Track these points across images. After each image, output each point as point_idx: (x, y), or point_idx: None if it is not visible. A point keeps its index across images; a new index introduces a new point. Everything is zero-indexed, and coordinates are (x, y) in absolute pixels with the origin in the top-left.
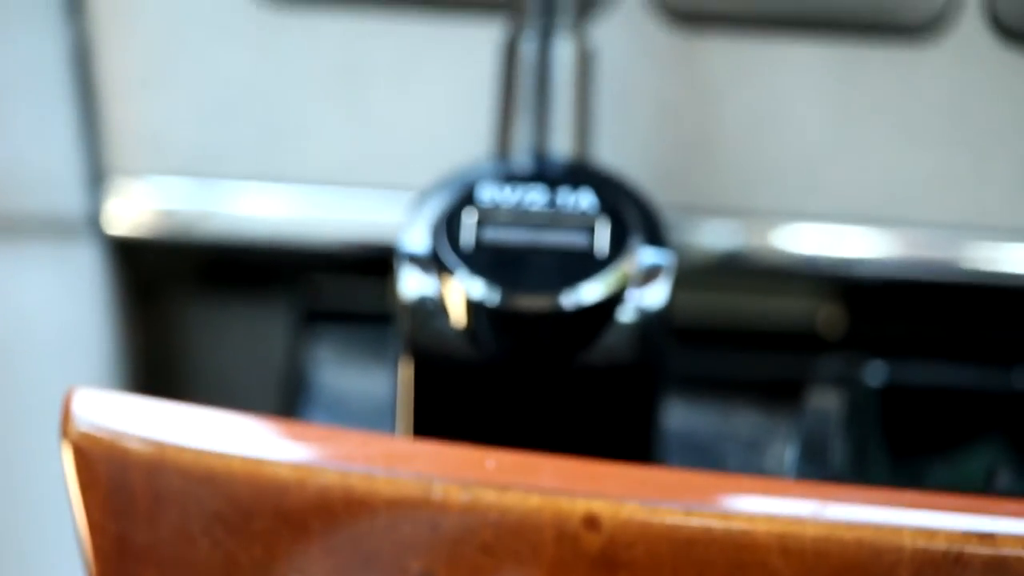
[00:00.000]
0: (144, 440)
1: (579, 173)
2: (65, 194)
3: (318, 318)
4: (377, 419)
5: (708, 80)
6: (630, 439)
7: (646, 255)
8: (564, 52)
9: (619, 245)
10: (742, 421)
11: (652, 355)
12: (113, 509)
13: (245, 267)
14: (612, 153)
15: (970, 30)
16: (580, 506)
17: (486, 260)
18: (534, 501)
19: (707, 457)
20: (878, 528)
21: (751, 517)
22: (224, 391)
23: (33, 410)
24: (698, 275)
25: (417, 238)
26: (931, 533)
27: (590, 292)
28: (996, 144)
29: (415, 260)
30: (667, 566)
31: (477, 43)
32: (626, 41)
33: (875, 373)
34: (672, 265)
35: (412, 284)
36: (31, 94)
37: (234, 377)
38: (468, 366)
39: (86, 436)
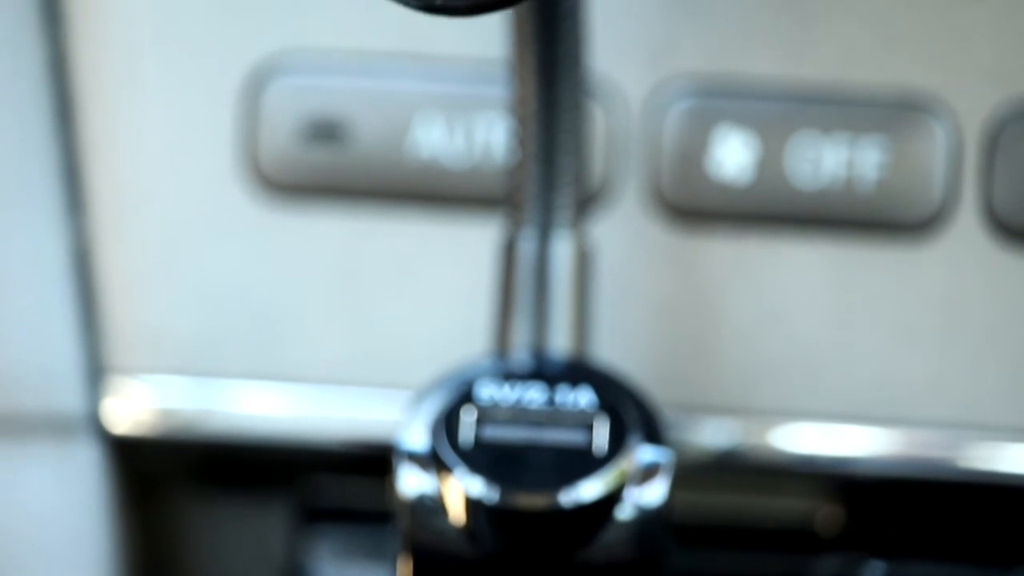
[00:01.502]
0: None
1: (578, 371)
2: (64, 392)
3: (317, 516)
4: None
5: (706, 278)
6: None
7: (645, 453)
8: (563, 251)
9: (618, 443)
10: None
11: (651, 553)
12: None
13: (244, 465)
14: (611, 351)
15: (967, 228)
16: None
17: (485, 458)
18: None
19: None
20: None
21: None
22: None
23: None
24: (697, 473)
25: (416, 436)
26: None
27: (589, 490)
28: (993, 343)
29: (414, 458)
30: None
31: (476, 242)
32: (624, 239)
33: (874, 572)
34: (671, 463)
35: (411, 482)
36: (31, 292)
37: (234, 575)
38: (467, 564)
39: None
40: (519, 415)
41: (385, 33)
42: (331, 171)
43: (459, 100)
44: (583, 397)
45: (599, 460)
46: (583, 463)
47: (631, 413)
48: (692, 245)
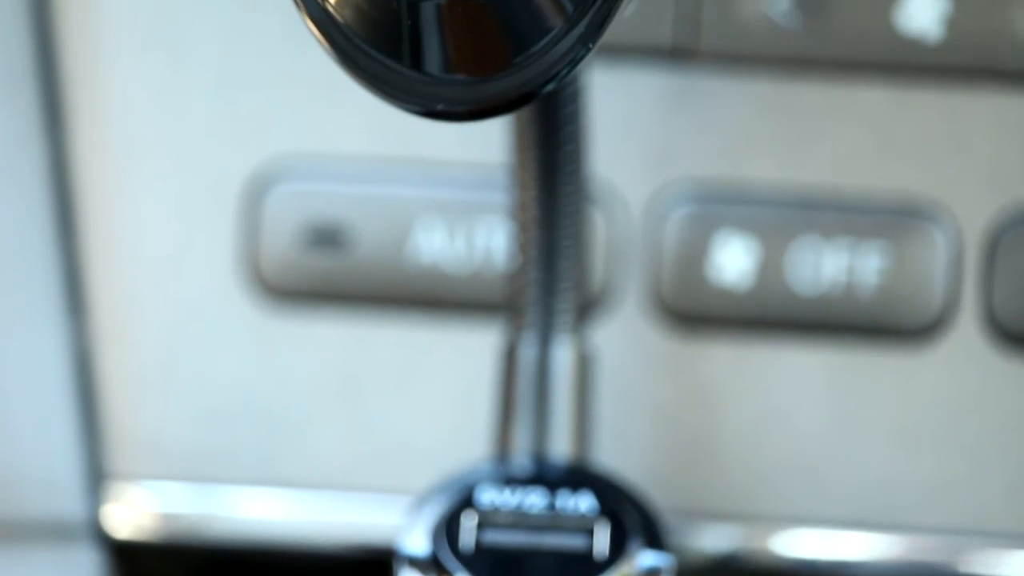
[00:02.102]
0: None
1: (579, 476)
2: (65, 497)
3: None
4: None
5: (707, 383)
6: None
7: (645, 558)
8: (563, 356)
9: (619, 548)
10: None
11: None
12: None
13: (246, 570)
14: (612, 455)
15: (967, 334)
16: None
17: (486, 563)
18: None
19: None
20: None
21: None
22: None
23: None
24: None
25: (417, 541)
26: None
27: None
28: (994, 449)
29: (415, 563)
30: None
31: (476, 347)
32: (625, 344)
33: None
34: (672, 568)
35: None
36: (32, 396)
37: None
38: None
39: None
40: (520, 520)
41: (386, 138)
42: (332, 276)
43: (460, 205)
44: (584, 502)
45: (600, 565)
46: (584, 568)
47: (632, 518)
48: (693, 350)
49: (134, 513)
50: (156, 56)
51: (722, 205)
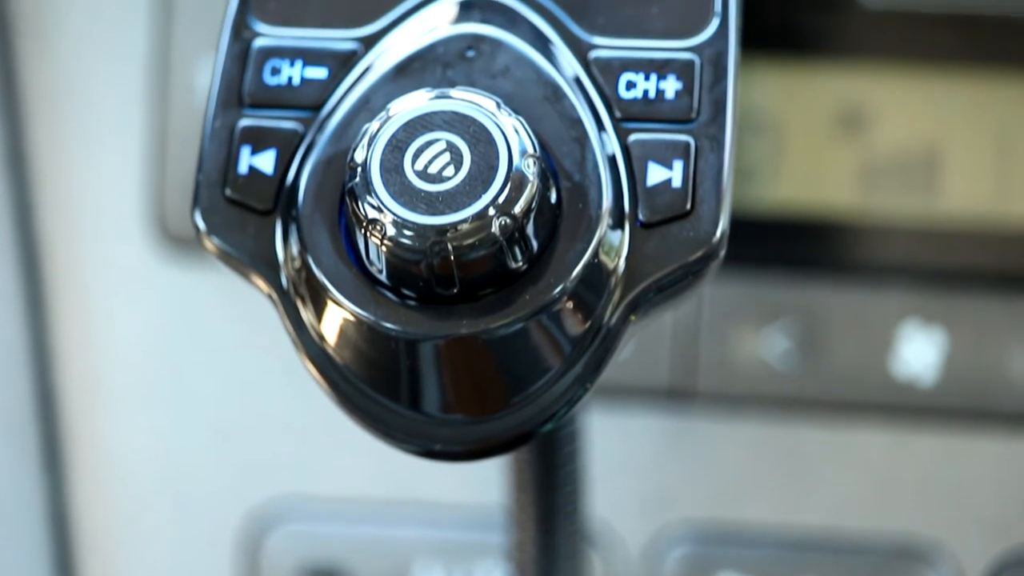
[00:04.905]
0: None
1: None
2: None
3: None
4: None
5: None
6: None
7: None
8: None
9: None
10: None
11: None
12: None
13: None
14: None
15: None
16: None
17: None
18: None
19: None
20: None
21: None
22: None
23: None
24: None
25: None
26: None
27: None
28: None
29: None
30: None
31: None
32: None
33: None
34: None
35: None
36: None
37: None
38: None
39: None
40: None
41: (384, 479)
42: None
43: (458, 546)
44: None
45: None
46: None
47: None
48: None
49: None
50: (156, 398)
51: (720, 546)
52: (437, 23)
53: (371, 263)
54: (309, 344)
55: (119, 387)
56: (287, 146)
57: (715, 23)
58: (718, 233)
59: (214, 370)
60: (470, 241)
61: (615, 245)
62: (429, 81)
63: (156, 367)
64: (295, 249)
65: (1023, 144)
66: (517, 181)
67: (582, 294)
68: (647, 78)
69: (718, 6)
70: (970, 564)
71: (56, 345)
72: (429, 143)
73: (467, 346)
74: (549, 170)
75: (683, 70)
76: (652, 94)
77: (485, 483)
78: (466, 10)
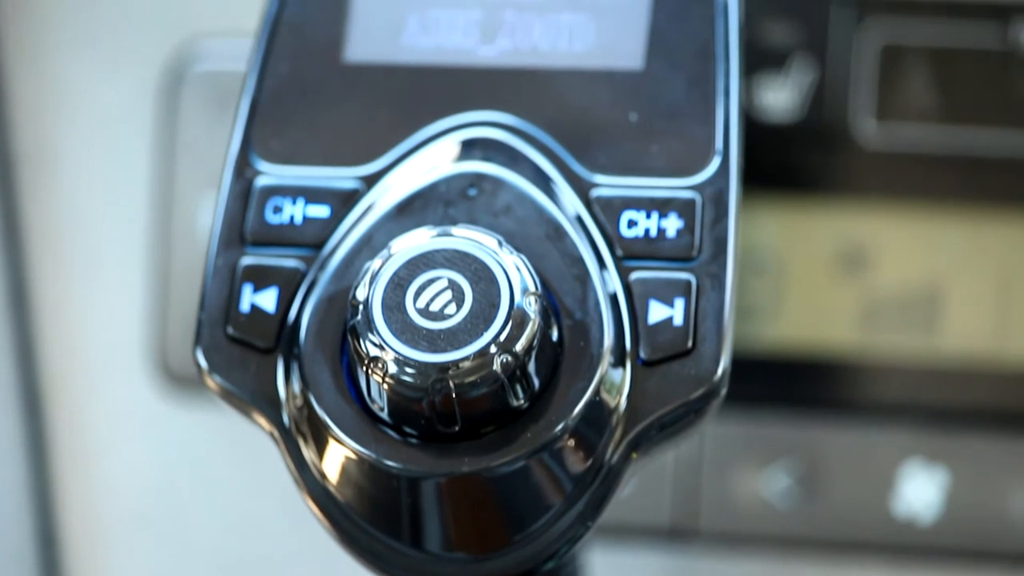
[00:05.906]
0: None
1: None
2: None
3: None
4: None
5: None
6: None
7: None
8: None
9: None
10: None
11: None
12: None
13: None
14: None
15: None
16: None
17: None
18: None
19: None
20: None
21: None
22: None
23: None
24: None
25: None
26: None
27: None
28: None
29: None
30: None
31: None
32: None
33: None
34: None
35: None
36: None
37: None
38: None
39: None
40: None
41: None
42: None
43: None
44: None
45: None
46: None
47: None
48: None
49: None
50: (157, 536)
51: None
52: (439, 161)
53: (373, 401)
54: (311, 482)
55: (120, 525)
56: (289, 284)
57: (716, 162)
58: (719, 371)
59: (215, 508)
60: (472, 379)
61: (617, 383)
62: (431, 219)
63: (157, 505)
64: (297, 387)
65: (1023, 283)
66: (518, 319)
67: (584, 432)
68: (648, 216)
69: (719, 144)
70: None
71: (58, 483)
72: (431, 281)
73: (469, 484)
74: (551, 308)
75: (684, 208)
76: (653, 232)
77: None
78: (468, 149)
